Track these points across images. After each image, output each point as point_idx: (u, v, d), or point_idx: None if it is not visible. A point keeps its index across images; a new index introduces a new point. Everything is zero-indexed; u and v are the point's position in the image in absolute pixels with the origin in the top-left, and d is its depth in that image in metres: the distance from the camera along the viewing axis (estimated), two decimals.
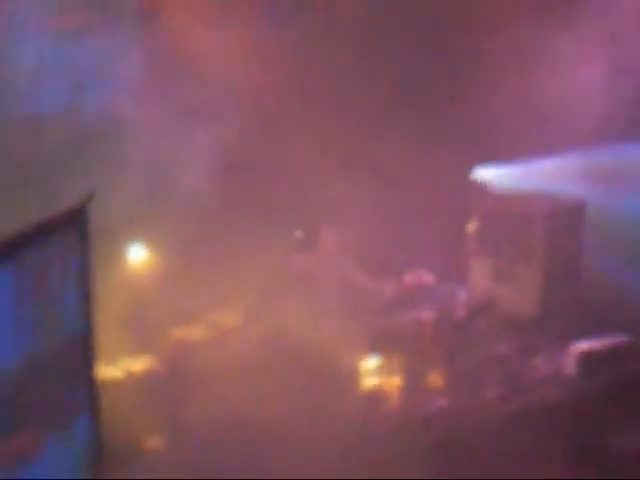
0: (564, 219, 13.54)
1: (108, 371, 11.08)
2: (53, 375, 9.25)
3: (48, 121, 13.71)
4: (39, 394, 8.96)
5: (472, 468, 10.50)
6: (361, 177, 13.12)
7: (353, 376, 12.22)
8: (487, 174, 14.50)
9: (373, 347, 12.27)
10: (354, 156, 13.58)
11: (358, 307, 13.33)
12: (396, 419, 11.69)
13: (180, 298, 12.75)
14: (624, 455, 11.50)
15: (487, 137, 13.98)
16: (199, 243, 12.94)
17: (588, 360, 12.27)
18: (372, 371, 12.07)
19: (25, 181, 12.90)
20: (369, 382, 12.05)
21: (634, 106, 14.86)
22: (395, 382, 11.98)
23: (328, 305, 13.09)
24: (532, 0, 14.71)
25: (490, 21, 14.59)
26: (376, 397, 11.96)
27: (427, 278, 13.43)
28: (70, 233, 9.52)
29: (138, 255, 13.03)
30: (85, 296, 9.44)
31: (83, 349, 9.49)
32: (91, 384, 9.63)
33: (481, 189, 14.29)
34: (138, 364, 11.84)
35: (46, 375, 9.19)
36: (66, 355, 9.44)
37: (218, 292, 12.89)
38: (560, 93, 14.41)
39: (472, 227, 13.85)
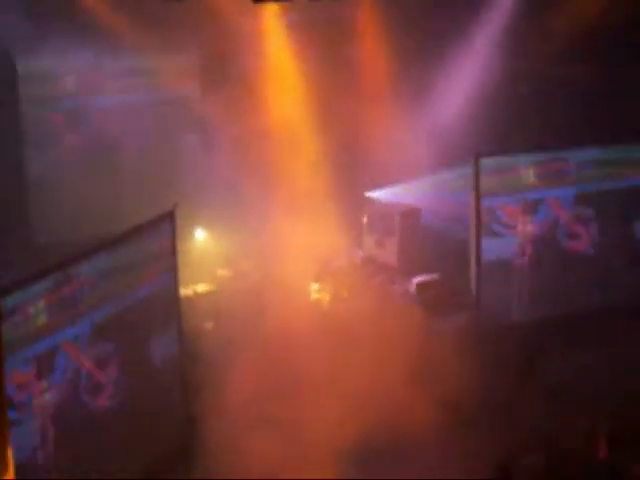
0: (409, 217, 15.01)
1: (185, 291, 12.94)
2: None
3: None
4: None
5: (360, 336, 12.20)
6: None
7: (305, 289, 14.31)
8: (375, 193, 15.47)
9: (316, 278, 14.29)
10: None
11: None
12: (326, 314, 13.61)
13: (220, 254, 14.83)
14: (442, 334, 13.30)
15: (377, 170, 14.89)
16: (238, 225, 14.46)
17: (421, 287, 14.18)
18: (315, 290, 14.21)
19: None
20: (313, 296, 14.18)
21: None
22: (326, 296, 14.13)
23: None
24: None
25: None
26: (316, 303, 14.05)
27: None
28: (165, 230, 11.76)
29: (201, 236, 14.82)
30: (174, 264, 11.89)
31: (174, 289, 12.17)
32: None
33: (369, 200, 15.43)
34: (200, 287, 13.98)
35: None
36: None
37: (242, 252, 14.64)
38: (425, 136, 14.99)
39: (365, 219, 15.28)
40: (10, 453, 6.45)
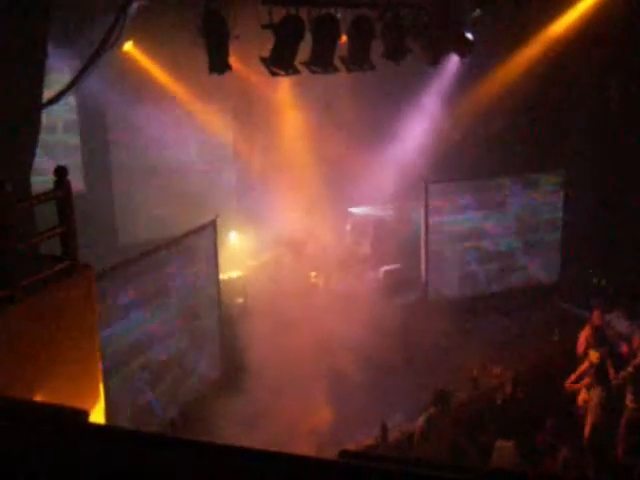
0: (379, 225, 15.78)
1: (223, 276, 13.40)
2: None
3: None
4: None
5: (343, 305, 12.91)
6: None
7: (306, 275, 14.91)
8: (355, 209, 16.10)
9: (314, 267, 14.90)
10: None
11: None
12: (320, 293, 14.51)
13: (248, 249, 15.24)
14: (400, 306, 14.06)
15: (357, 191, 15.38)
16: (261, 230, 14.82)
17: (387, 273, 15.04)
18: (313, 276, 14.94)
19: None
20: (312, 280, 14.90)
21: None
22: (321, 280, 14.90)
23: None
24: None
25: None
26: (314, 285, 14.84)
27: None
28: (210, 232, 12.61)
29: (234, 236, 15.10)
30: (216, 257, 12.71)
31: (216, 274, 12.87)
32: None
33: (352, 213, 16.07)
34: (234, 273, 14.58)
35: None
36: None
37: (264, 249, 15.10)
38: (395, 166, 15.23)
39: (348, 227, 16.04)
40: (101, 387, 6.60)
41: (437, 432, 9.84)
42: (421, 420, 10.03)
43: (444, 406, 10.14)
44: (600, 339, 11.28)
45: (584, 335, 11.50)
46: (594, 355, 10.90)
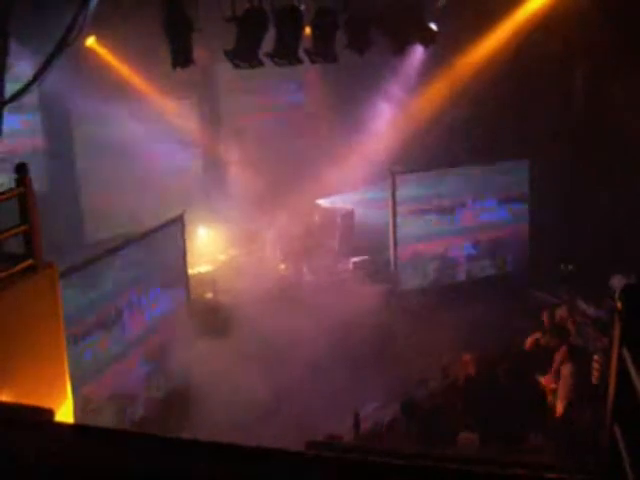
0: (346, 217, 15.82)
1: (192, 271, 13.44)
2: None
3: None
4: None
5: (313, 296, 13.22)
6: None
7: (276, 267, 15.13)
8: (322, 200, 16.19)
9: (283, 259, 15.13)
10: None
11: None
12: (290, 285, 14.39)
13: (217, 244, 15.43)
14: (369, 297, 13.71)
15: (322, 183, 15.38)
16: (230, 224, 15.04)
17: (356, 264, 15.06)
18: (283, 268, 15.11)
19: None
20: (282, 272, 15.00)
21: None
22: (291, 272, 14.97)
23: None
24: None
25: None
26: (284, 277, 14.86)
27: None
28: (178, 226, 12.63)
29: (203, 231, 15.17)
30: (184, 252, 12.74)
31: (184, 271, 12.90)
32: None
33: (319, 205, 16.13)
34: (203, 268, 14.61)
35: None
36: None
37: (233, 243, 15.37)
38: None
39: (316, 218, 15.95)
40: (69, 384, 6.56)
41: (401, 435, 9.81)
42: (386, 421, 10.01)
43: (410, 417, 10.00)
44: (558, 332, 11.40)
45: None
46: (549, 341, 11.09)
